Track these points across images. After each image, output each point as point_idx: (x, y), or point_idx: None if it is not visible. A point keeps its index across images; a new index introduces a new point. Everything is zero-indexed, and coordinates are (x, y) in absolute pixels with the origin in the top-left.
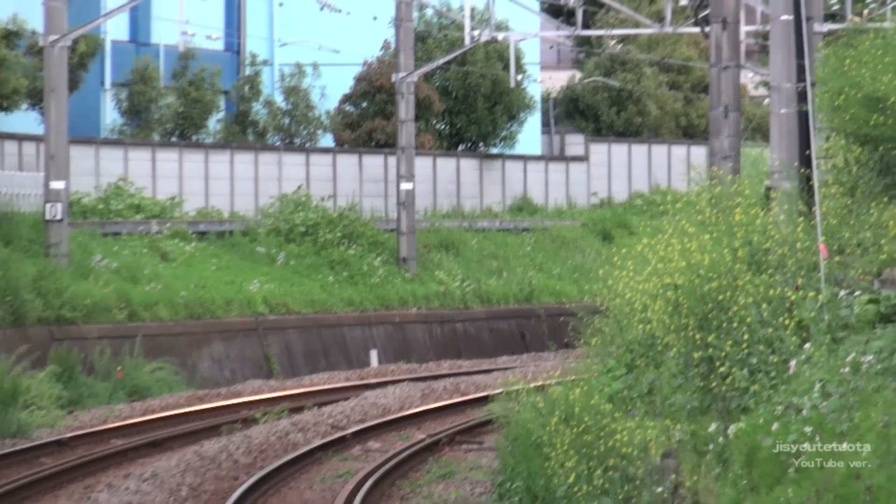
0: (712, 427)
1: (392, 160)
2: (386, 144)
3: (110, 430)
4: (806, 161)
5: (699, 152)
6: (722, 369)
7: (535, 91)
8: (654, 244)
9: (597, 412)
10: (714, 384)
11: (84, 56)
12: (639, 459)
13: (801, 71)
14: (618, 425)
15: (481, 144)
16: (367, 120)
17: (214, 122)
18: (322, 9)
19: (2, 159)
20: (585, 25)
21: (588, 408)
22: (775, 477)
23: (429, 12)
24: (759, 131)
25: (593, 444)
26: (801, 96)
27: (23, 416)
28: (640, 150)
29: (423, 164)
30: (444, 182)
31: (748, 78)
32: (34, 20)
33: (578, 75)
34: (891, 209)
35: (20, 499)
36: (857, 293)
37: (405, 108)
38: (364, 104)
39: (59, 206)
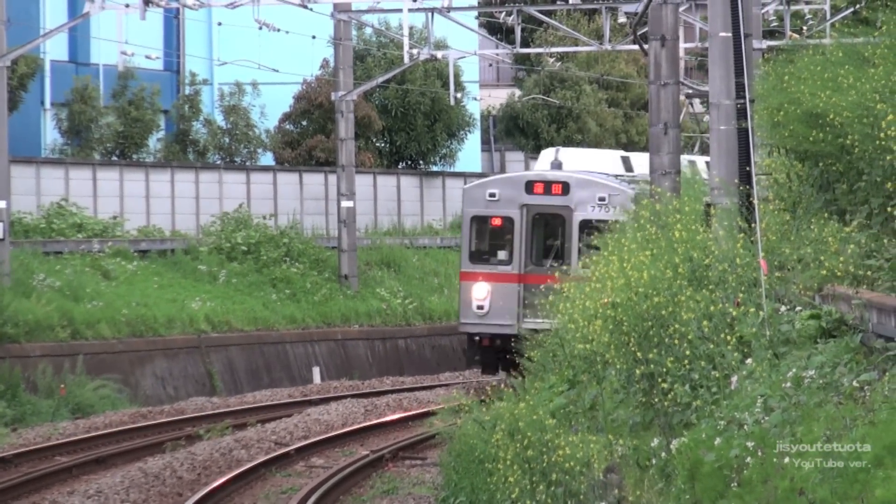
0: (655, 442)
1: (332, 178)
2: (326, 163)
3: (54, 448)
4: (746, 177)
5: None
6: (664, 385)
7: (474, 109)
8: (593, 262)
9: (540, 427)
10: (656, 399)
11: (24, 76)
12: (582, 474)
13: (740, 87)
14: (561, 440)
15: (421, 162)
16: (306, 138)
17: (155, 142)
18: (261, 28)
19: None
20: (524, 43)
21: (531, 423)
22: (718, 491)
23: (367, 31)
24: (701, 148)
25: (536, 459)
26: (741, 113)
27: None
28: None
29: (363, 182)
30: (385, 200)
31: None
32: None
33: (518, 93)
34: (831, 225)
35: None
36: (799, 309)
37: (345, 127)
38: (304, 123)
39: (0, 225)
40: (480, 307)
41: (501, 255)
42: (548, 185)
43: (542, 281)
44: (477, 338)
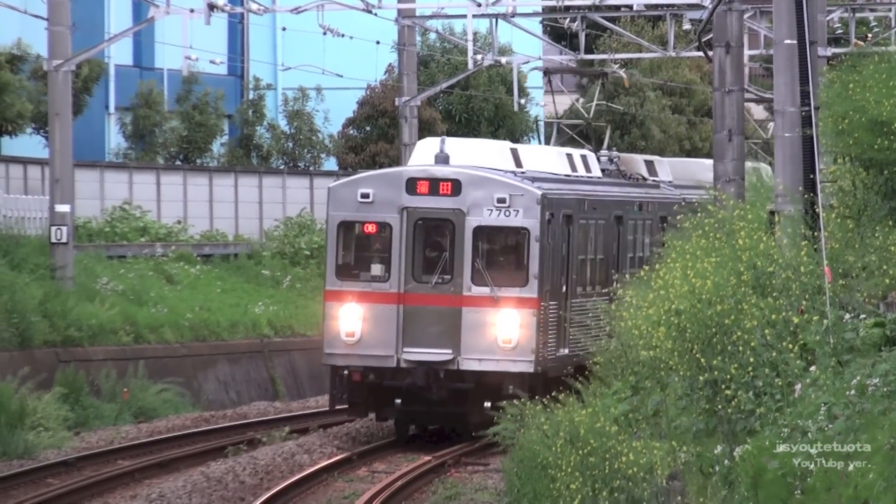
0: (718, 449)
1: None
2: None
3: (117, 451)
4: (810, 185)
5: None
6: (727, 392)
7: (538, 114)
8: (656, 269)
9: (602, 434)
10: (720, 406)
11: (88, 80)
12: (644, 481)
13: (805, 95)
14: (623, 447)
15: None
16: (370, 143)
17: (218, 146)
18: (325, 33)
19: (7, 183)
20: (588, 50)
21: (593, 430)
22: (781, 499)
23: (432, 36)
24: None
25: (599, 466)
26: (806, 120)
27: (29, 437)
28: None
29: None
30: None
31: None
32: (38, 45)
33: (581, 99)
34: None
35: None
36: (863, 316)
37: (408, 132)
38: (367, 128)
39: (65, 229)
40: (350, 334)
41: (376, 269)
42: (434, 184)
43: (425, 302)
44: (345, 371)
